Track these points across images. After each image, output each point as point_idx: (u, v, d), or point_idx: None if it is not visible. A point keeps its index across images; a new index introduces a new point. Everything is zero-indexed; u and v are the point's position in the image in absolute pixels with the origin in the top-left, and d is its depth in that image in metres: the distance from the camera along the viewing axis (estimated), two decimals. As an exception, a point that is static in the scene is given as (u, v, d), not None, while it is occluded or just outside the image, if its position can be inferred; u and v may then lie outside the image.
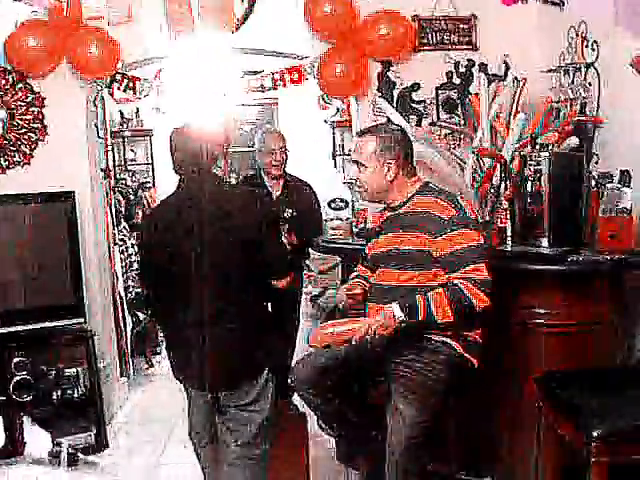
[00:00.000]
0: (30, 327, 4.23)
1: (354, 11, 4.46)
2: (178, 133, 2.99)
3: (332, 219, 4.61)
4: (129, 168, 9.36)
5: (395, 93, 4.64)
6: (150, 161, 9.34)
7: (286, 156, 4.69)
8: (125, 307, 5.28)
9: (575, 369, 3.00)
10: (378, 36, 4.44)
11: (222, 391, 2.92)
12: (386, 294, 2.87)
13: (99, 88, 4.64)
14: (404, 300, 2.75)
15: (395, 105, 4.61)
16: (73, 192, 4.38)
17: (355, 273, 3.23)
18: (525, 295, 3.17)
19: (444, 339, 2.82)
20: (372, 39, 4.45)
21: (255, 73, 4.72)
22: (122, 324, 5.24)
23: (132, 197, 7.26)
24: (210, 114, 7.92)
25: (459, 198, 2.88)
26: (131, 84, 4.64)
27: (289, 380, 3.03)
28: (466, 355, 2.85)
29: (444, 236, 2.76)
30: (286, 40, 4.66)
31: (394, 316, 2.72)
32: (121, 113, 9.32)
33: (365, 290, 3.07)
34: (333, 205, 4.53)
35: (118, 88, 4.64)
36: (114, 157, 9.46)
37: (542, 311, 3.15)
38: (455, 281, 2.72)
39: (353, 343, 2.74)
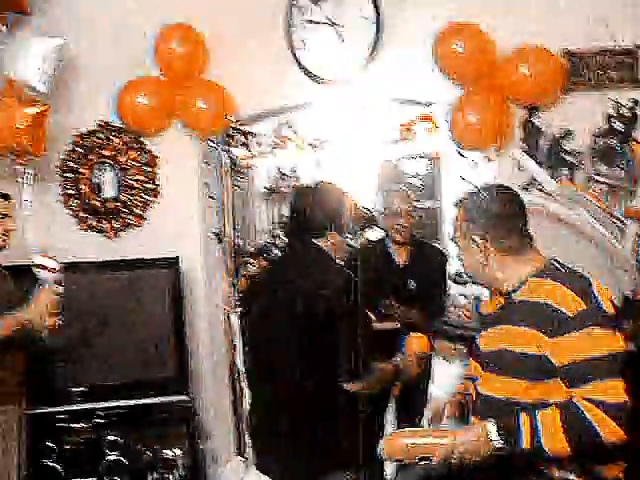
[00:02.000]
0: (126, 403, 3.89)
1: (493, 48, 3.85)
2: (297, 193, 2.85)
3: (455, 296, 3.91)
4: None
5: (542, 143, 3.95)
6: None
7: (414, 220, 4.08)
8: (243, 379, 4.85)
9: None
10: (521, 77, 3.81)
11: None
12: (488, 408, 2.18)
13: (211, 145, 4.30)
14: (505, 419, 2.06)
15: (543, 157, 3.92)
16: (177, 257, 4.05)
17: (465, 373, 2.56)
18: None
19: (565, 476, 2.08)
20: (514, 80, 3.84)
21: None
22: (240, 401, 4.81)
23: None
24: (363, 171, 7.54)
25: (594, 285, 2.12)
26: (245, 140, 4.28)
27: None
28: (596, 499, 2.09)
29: (566, 337, 2.03)
30: (415, 86, 4.12)
31: (488, 438, 2.04)
32: (279, 169, 9.17)
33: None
34: (458, 279, 3.84)
35: (231, 144, 4.29)
36: (270, 214, 9.33)
37: None
38: (577, 401, 1.98)
39: (433, 463, 2.09)
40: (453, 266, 3.91)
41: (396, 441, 2.19)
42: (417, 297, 3.90)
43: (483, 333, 2.37)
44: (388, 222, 4.10)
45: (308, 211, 2.66)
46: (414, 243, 4.15)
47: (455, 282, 3.99)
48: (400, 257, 4.11)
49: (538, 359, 2.08)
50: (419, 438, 2.17)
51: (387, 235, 4.15)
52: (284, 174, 9.30)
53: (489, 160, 4.28)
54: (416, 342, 2.82)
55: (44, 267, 3.11)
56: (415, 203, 4.23)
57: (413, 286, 3.96)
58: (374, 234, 3.93)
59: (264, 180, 9.39)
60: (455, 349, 5.16)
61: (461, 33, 3.88)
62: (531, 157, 3.92)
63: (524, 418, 2.02)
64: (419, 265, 4.06)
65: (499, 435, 2.02)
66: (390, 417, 4.30)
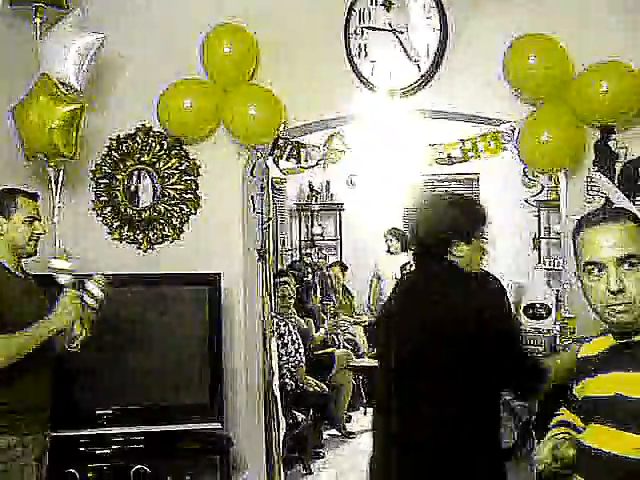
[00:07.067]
0: (154, 429, 3.59)
1: (568, 63, 3.56)
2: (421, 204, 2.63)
3: (528, 332, 3.53)
4: (316, 244, 8.92)
5: (617, 167, 3.62)
6: (339, 237, 8.79)
7: None
8: (279, 407, 4.53)
9: None
10: (597, 94, 3.48)
11: None
12: (604, 467, 1.85)
13: (259, 155, 4.02)
14: None
15: (617, 183, 3.60)
16: (218, 275, 3.75)
17: (559, 417, 2.23)
18: None
19: None
20: (589, 98, 3.51)
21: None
22: (275, 427, 4.49)
23: (308, 278, 6.66)
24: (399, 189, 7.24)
25: None
26: (295, 152, 3.99)
27: None
28: None
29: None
30: (481, 101, 3.83)
31: None
32: (310, 185, 8.92)
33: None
34: (531, 311, 3.48)
35: (280, 156, 4.01)
36: (300, 231, 9.09)
37: None
38: None
39: None
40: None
41: None
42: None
43: (585, 380, 2.04)
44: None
45: (431, 223, 2.47)
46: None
47: (527, 315, 3.64)
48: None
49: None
50: None
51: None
52: (315, 190, 9.05)
53: (555, 184, 4.00)
54: None
55: (62, 270, 2.86)
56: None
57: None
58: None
59: (294, 197, 9.18)
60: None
61: (535, 45, 3.59)
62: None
63: None
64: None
65: None
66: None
